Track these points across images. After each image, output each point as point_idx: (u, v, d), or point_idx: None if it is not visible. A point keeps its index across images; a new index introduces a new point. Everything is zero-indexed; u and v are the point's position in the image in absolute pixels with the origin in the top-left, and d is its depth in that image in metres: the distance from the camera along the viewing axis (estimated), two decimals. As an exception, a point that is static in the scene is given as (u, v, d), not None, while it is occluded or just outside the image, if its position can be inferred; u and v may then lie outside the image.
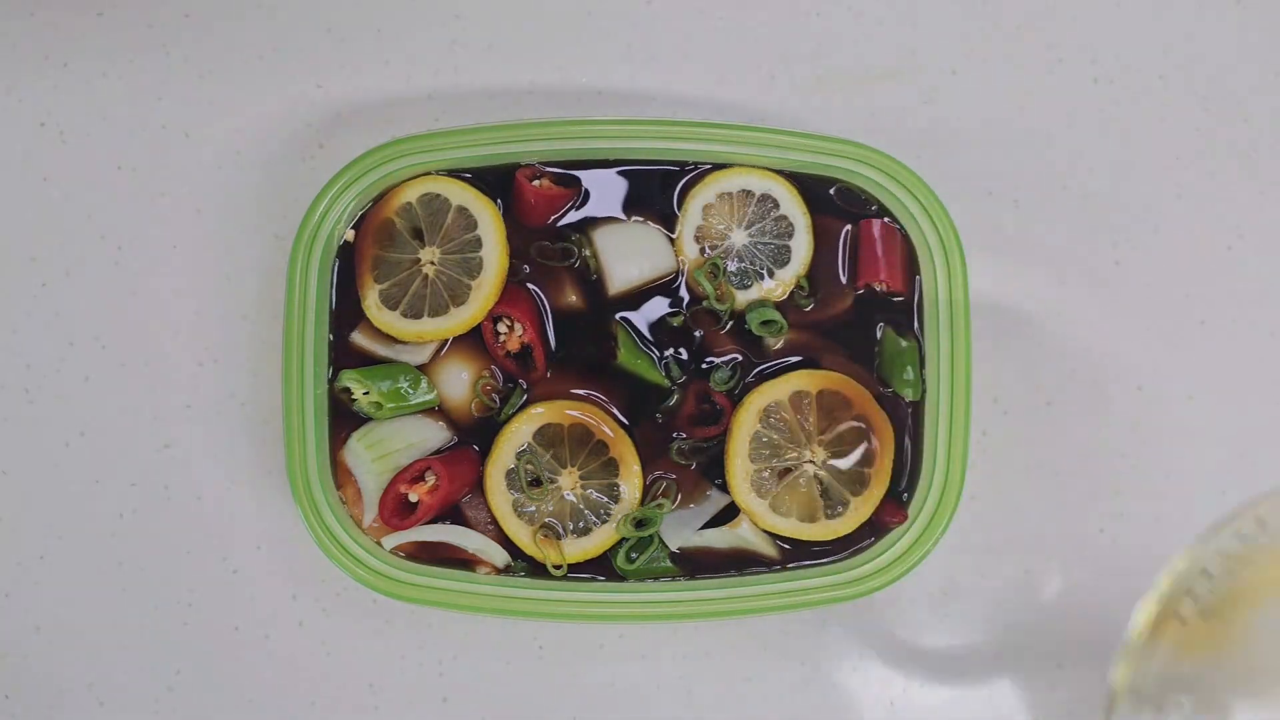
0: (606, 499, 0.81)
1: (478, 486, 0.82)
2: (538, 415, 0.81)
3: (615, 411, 0.82)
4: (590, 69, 0.89)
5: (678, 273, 0.83)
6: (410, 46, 0.89)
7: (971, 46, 0.90)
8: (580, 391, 0.82)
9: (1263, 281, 0.90)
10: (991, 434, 0.89)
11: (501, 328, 0.81)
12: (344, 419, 0.82)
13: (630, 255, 0.82)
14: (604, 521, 0.81)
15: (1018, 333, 0.89)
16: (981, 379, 0.87)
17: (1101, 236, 0.90)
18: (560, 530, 0.81)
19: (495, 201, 0.82)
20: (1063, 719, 0.89)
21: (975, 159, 0.90)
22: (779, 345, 0.83)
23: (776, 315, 0.81)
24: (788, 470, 0.80)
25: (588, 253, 0.82)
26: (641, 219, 0.83)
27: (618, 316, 0.83)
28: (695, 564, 0.82)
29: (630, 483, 0.81)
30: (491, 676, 0.88)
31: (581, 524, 0.81)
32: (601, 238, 0.82)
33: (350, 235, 0.81)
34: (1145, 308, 0.90)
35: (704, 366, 0.82)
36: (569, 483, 0.81)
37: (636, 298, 0.83)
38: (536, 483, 0.81)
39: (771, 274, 0.82)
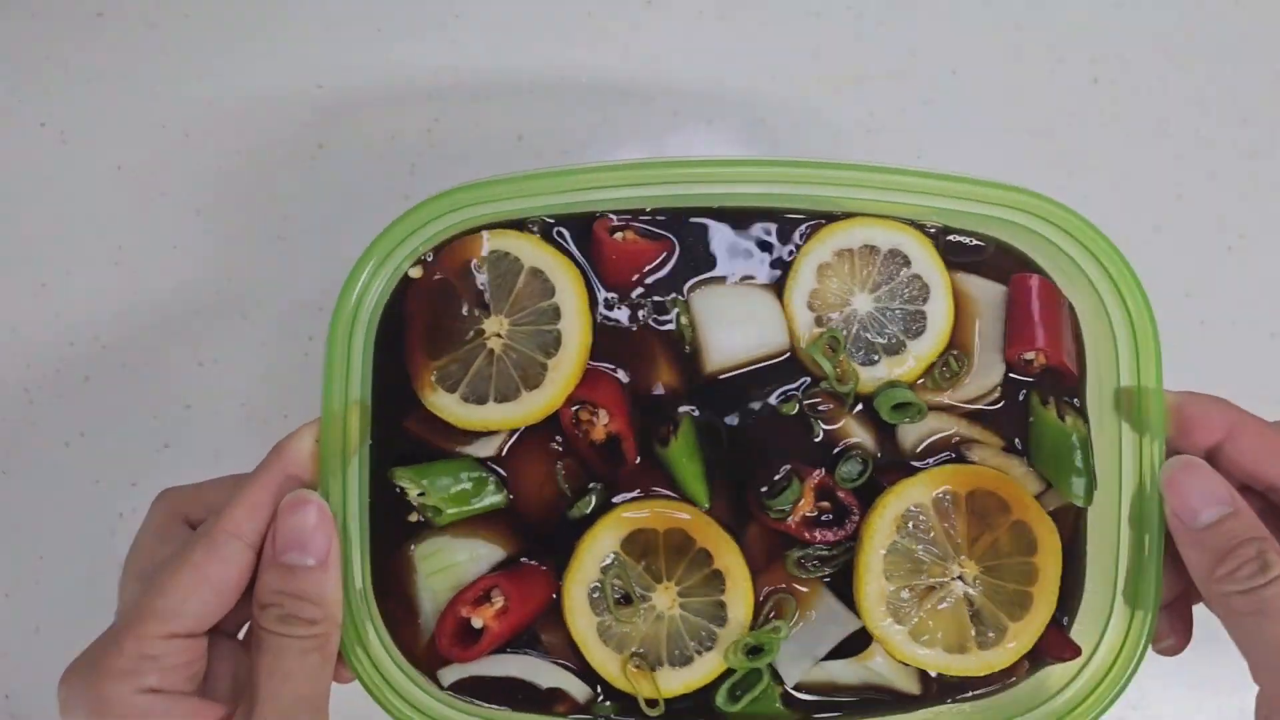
0: (710, 621, 0.67)
1: (553, 605, 0.68)
2: (626, 519, 0.67)
3: (718, 513, 0.68)
4: (590, 69, 0.89)
5: (790, 351, 0.69)
6: (410, 46, 0.89)
7: (971, 46, 0.90)
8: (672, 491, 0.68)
9: (1263, 282, 0.91)
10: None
11: (583, 415, 0.67)
12: (395, 521, 0.68)
13: (734, 324, 0.68)
14: (708, 648, 0.67)
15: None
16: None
17: (1102, 237, 0.89)
18: (655, 659, 0.67)
19: (575, 262, 0.67)
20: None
21: (975, 159, 0.90)
22: (917, 437, 0.68)
23: (912, 397, 0.67)
24: (931, 589, 0.66)
25: (684, 320, 0.68)
26: (748, 281, 0.69)
27: (683, 410, 0.69)
28: (815, 704, 0.68)
29: (739, 600, 0.67)
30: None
31: (680, 651, 0.67)
32: (701, 301, 0.68)
33: (417, 271, 0.67)
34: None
35: (834, 453, 0.68)
36: (665, 601, 0.67)
37: (738, 380, 0.69)
38: (626, 600, 0.67)
39: (903, 347, 0.68)
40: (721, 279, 0.68)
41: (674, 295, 0.68)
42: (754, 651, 0.66)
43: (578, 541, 0.67)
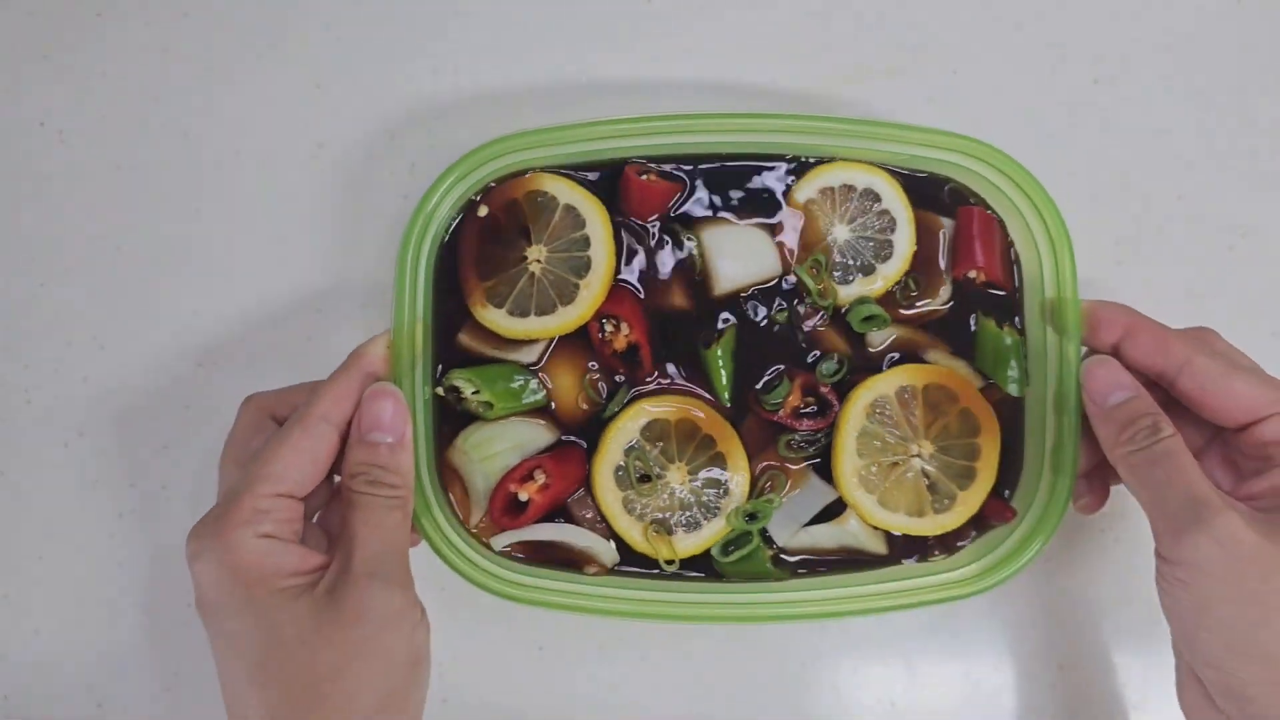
0: (715, 493, 0.81)
1: (586, 484, 0.81)
2: (645, 411, 0.81)
3: (721, 406, 0.82)
4: (590, 68, 0.90)
5: (782, 275, 0.82)
6: (409, 45, 0.89)
7: (972, 46, 0.91)
8: (686, 385, 0.82)
9: (1263, 282, 0.91)
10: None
11: (608, 327, 0.81)
12: (452, 416, 0.82)
13: (737, 255, 0.82)
14: (713, 516, 0.81)
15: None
16: (984, 378, 0.88)
17: (1102, 236, 0.91)
18: (670, 526, 0.81)
19: (602, 200, 0.81)
20: (1064, 718, 0.91)
21: None
22: (883, 343, 0.83)
23: (878, 310, 0.81)
24: (895, 465, 0.81)
25: (696, 252, 0.81)
26: (748, 220, 0.82)
27: (729, 319, 0.83)
28: (800, 562, 0.82)
29: (739, 476, 0.81)
30: (491, 677, 0.88)
31: (690, 519, 0.81)
32: (710, 237, 0.82)
33: (483, 210, 0.80)
34: (1145, 308, 0.87)
35: (809, 361, 0.82)
36: (678, 478, 0.81)
37: (740, 298, 0.83)
38: (645, 479, 0.81)
39: (874, 269, 0.82)
40: (727, 219, 0.82)
41: (690, 235, 0.82)
42: (751, 517, 0.81)
43: (605, 430, 0.81)
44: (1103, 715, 0.90)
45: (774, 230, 0.82)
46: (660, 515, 0.81)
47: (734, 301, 0.82)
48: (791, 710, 0.89)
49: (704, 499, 0.81)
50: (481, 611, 0.84)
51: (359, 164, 0.90)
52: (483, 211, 0.80)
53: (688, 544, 0.81)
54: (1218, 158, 0.91)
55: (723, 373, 0.81)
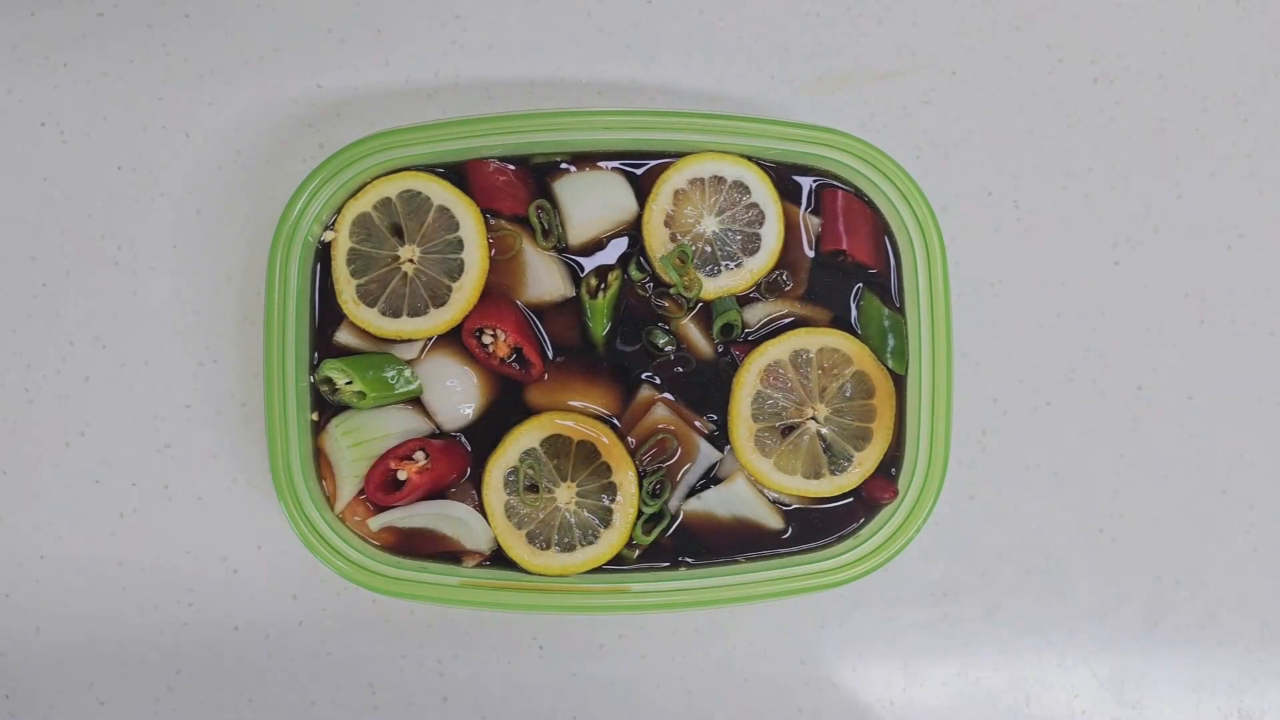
0: (598, 522, 0.80)
1: (468, 481, 0.82)
2: (548, 423, 0.80)
3: (615, 422, 0.83)
4: (590, 68, 0.89)
5: (638, 217, 0.82)
6: (410, 46, 0.89)
7: (971, 47, 0.90)
8: (579, 403, 0.82)
9: (1263, 281, 0.91)
10: (991, 434, 0.89)
11: (486, 339, 0.81)
12: (326, 409, 0.83)
13: (591, 200, 0.82)
14: (590, 543, 0.80)
15: (1018, 332, 0.89)
16: (982, 378, 0.88)
17: (1101, 236, 0.90)
18: (545, 541, 0.80)
19: (474, 200, 0.82)
20: (1062, 717, 0.89)
21: (975, 159, 0.90)
22: (763, 318, 0.83)
23: (736, 320, 0.81)
24: (791, 429, 0.80)
25: (546, 212, 0.82)
26: (603, 167, 0.83)
27: (621, 271, 0.83)
28: (697, 538, 0.82)
29: (623, 513, 0.80)
30: (491, 676, 0.87)
31: (567, 540, 0.80)
32: (562, 188, 0.82)
33: (330, 236, 0.81)
34: (1145, 308, 0.90)
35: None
36: (565, 497, 0.80)
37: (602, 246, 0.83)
38: (533, 489, 0.80)
39: (741, 262, 0.82)
40: (581, 170, 0.83)
41: (540, 201, 0.82)
42: (655, 494, 0.81)
43: (509, 431, 0.81)
44: (1101, 712, 0.90)
45: (628, 181, 0.83)
46: (538, 529, 0.80)
47: (595, 251, 0.84)
48: (791, 709, 0.88)
49: (586, 523, 0.80)
50: (481, 610, 0.84)
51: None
52: (328, 236, 0.81)
53: (556, 563, 0.80)
54: (1216, 158, 0.91)
55: (600, 324, 0.82)
